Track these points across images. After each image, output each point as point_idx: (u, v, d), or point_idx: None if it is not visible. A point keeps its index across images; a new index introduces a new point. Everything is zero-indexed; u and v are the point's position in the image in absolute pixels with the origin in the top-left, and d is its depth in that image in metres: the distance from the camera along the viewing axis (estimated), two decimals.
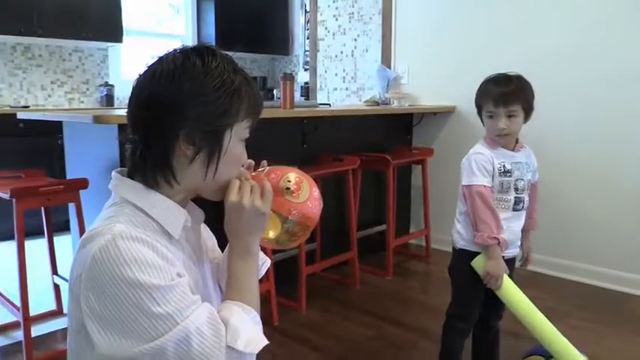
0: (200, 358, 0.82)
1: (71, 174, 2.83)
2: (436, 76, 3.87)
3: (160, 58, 0.93)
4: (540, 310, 2.80)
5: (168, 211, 0.92)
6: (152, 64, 0.93)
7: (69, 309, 0.89)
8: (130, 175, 0.94)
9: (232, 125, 0.93)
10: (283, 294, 2.78)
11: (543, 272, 3.34)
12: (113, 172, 0.96)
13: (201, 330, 0.83)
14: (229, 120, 0.92)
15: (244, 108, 0.94)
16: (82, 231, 2.31)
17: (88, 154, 2.65)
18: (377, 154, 3.27)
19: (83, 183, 2.29)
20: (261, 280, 2.72)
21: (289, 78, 2.87)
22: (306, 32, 5.64)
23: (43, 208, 2.59)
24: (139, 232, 0.85)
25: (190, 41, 5.69)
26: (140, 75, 0.93)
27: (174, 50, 0.93)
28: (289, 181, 1.01)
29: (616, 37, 3.00)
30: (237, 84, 0.92)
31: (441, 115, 3.82)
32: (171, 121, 0.89)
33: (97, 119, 2.05)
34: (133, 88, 0.93)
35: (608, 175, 3.08)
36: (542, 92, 3.30)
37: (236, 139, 0.95)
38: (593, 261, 3.16)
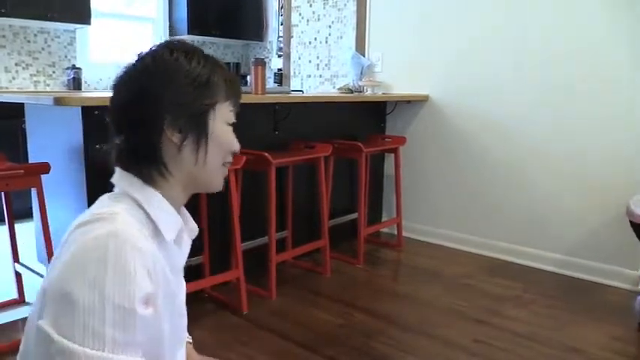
0: None
1: (34, 158, 2.74)
2: (410, 64, 3.85)
3: (132, 61, 0.96)
4: (506, 298, 2.85)
5: (165, 212, 0.93)
6: (125, 67, 0.95)
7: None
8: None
9: (214, 106, 0.95)
10: (253, 282, 2.75)
11: (512, 261, 3.37)
12: (115, 167, 0.96)
13: None
14: (210, 101, 0.95)
15: (222, 90, 0.97)
16: (43, 217, 2.23)
17: (51, 138, 2.57)
18: (349, 142, 3.25)
19: (44, 167, 2.21)
20: (229, 268, 2.69)
21: (260, 63, 2.82)
22: (280, 18, 5.56)
23: (3, 194, 2.51)
24: (137, 235, 0.83)
25: (162, 25, 5.57)
26: (116, 78, 0.96)
27: (143, 51, 0.97)
28: None
29: (592, 31, 3.02)
30: (209, 68, 0.95)
31: (415, 103, 3.81)
32: (153, 112, 0.91)
33: (58, 101, 1.98)
34: (112, 92, 0.95)
35: (577, 167, 3.11)
36: (517, 87, 3.34)
37: (221, 120, 0.97)
38: (562, 250, 3.20)
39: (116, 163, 0.95)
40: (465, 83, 3.56)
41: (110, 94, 0.96)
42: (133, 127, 0.93)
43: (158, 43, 0.97)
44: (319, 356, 2.20)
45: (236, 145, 1.01)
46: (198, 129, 0.94)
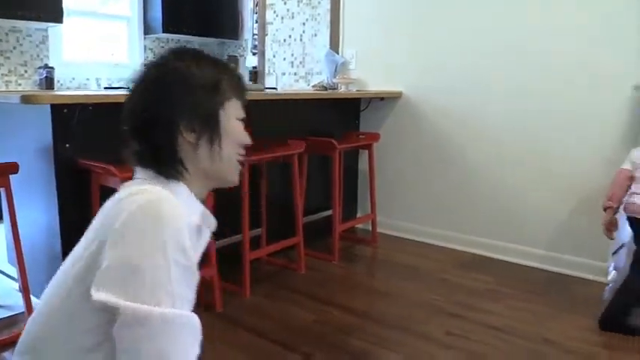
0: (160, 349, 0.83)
1: (2, 158, 2.69)
2: (384, 61, 3.87)
3: (142, 68, 1.03)
4: (481, 292, 2.88)
5: (189, 199, 1.01)
6: (137, 76, 1.03)
7: (80, 256, 0.92)
8: None
9: (223, 104, 1.03)
10: (228, 279, 2.75)
11: (486, 255, 3.41)
12: (135, 167, 1.04)
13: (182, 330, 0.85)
14: (219, 99, 1.03)
15: (230, 89, 1.05)
16: (12, 218, 2.20)
17: (20, 138, 2.54)
18: (323, 139, 3.26)
19: (13, 167, 2.18)
20: (203, 265, 2.68)
21: (233, 61, 2.82)
22: (255, 16, 5.54)
23: None
24: (178, 205, 0.92)
25: (136, 24, 5.51)
26: (129, 87, 1.03)
27: (154, 59, 1.04)
28: None
29: (559, 31, 3.07)
30: (217, 71, 1.04)
31: (388, 100, 3.84)
32: (170, 117, 0.99)
33: (26, 99, 1.95)
34: (127, 100, 1.02)
35: (550, 162, 3.16)
36: (488, 83, 3.38)
37: (232, 116, 1.05)
38: (535, 244, 3.26)
39: (137, 165, 1.02)
40: (437, 80, 3.60)
41: (125, 101, 1.02)
42: (151, 132, 1.00)
43: (165, 51, 1.04)
44: (296, 353, 2.21)
45: (247, 139, 1.08)
46: (211, 127, 1.01)
